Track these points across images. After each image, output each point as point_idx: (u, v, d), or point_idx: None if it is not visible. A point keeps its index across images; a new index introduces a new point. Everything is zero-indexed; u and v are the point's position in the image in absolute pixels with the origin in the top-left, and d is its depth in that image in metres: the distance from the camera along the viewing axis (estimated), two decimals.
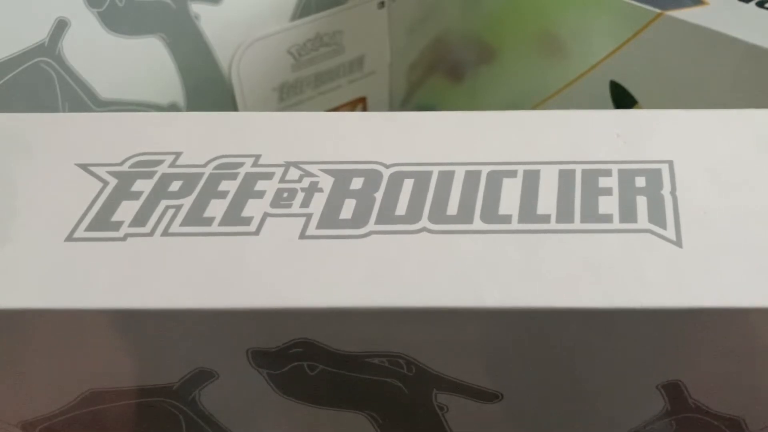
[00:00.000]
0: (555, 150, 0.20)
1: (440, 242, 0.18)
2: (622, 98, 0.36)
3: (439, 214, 0.18)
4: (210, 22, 0.37)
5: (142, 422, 0.21)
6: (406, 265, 0.17)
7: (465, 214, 0.18)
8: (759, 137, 0.21)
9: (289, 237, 0.18)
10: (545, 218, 0.18)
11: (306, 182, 0.20)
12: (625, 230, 0.18)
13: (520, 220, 0.18)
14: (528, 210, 0.18)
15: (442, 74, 0.46)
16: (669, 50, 0.32)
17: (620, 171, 0.19)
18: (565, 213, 0.18)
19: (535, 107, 0.41)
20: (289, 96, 0.44)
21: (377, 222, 0.18)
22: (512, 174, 0.19)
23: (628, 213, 0.18)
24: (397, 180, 0.20)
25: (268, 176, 0.20)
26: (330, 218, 0.19)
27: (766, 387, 0.19)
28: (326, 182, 0.20)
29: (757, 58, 0.29)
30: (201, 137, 0.22)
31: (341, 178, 0.20)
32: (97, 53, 0.34)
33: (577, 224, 0.18)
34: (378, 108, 0.50)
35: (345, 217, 0.19)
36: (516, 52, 0.40)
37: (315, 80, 0.45)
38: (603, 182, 0.19)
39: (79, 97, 0.34)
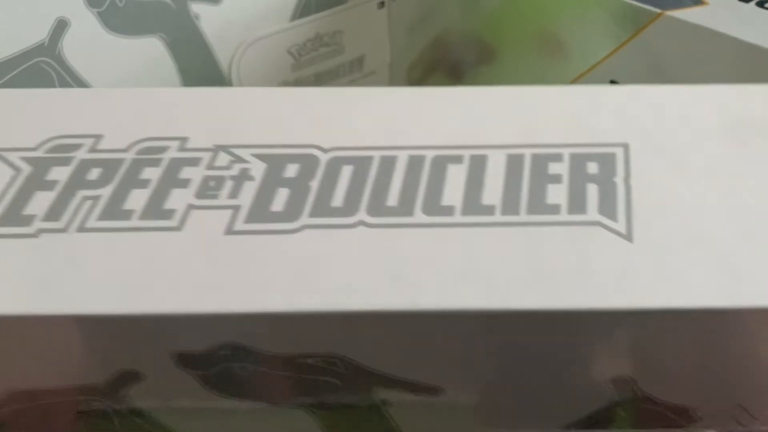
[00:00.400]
0: (505, 132, 0.19)
1: (377, 238, 0.17)
2: None
3: (378, 206, 0.17)
4: (210, 21, 0.37)
5: (77, 419, 0.20)
6: (339, 265, 0.16)
7: (406, 206, 0.17)
8: (725, 116, 0.20)
9: (214, 232, 0.17)
10: (490, 209, 0.17)
11: (236, 169, 0.18)
12: (573, 222, 0.17)
13: (464, 212, 0.17)
14: (472, 200, 0.17)
15: (442, 74, 0.46)
16: (669, 50, 0.32)
17: (572, 156, 0.18)
18: (511, 203, 0.17)
19: None
20: None
21: (311, 215, 0.17)
22: (458, 160, 0.18)
23: (577, 203, 0.17)
24: (335, 166, 0.18)
25: (194, 162, 0.19)
26: (260, 211, 0.17)
27: (718, 379, 0.18)
28: (258, 169, 0.18)
29: (757, 58, 0.29)
30: (125, 117, 0.20)
31: (274, 164, 0.18)
32: (97, 53, 0.34)
33: (522, 216, 0.17)
34: None
35: (276, 209, 0.17)
36: (516, 52, 0.40)
37: (315, 80, 0.45)
38: (553, 168, 0.18)
39: None
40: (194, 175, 0.18)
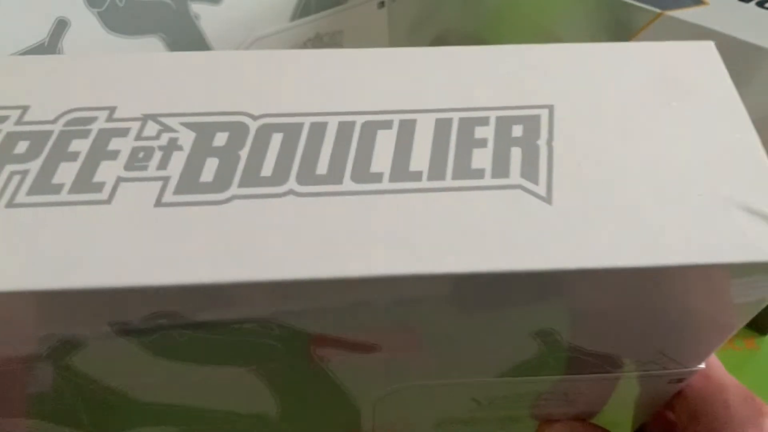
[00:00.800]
0: (434, 95, 0.19)
1: (306, 207, 0.17)
2: None
3: (307, 174, 0.17)
4: (210, 22, 0.37)
5: (14, 383, 0.20)
6: (268, 235, 0.16)
7: (335, 174, 0.17)
8: (655, 75, 0.20)
9: (143, 205, 0.17)
10: (417, 175, 0.17)
11: (164, 139, 0.18)
12: (496, 186, 0.17)
13: (392, 179, 0.17)
14: (400, 167, 0.18)
15: None
16: None
17: (498, 119, 0.19)
18: (437, 169, 0.18)
19: None
20: None
21: (241, 185, 0.17)
22: (387, 125, 0.19)
23: (500, 167, 0.18)
24: (264, 134, 0.18)
25: (123, 133, 0.18)
26: (189, 181, 0.17)
27: (638, 332, 0.19)
28: (187, 138, 0.18)
29: (757, 58, 0.30)
30: (52, 87, 0.19)
31: (203, 133, 0.18)
32: (97, 53, 0.34)
33: (448, 182, 0.17)
34: None
35: (206, 179, 0.17)
36: None
37: None
38: (479, 132, 0.18)
39: None
40: (123, 146, 0.18)
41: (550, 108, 0.19)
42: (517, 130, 0.19)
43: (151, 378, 0.20)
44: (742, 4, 0.32)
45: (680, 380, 0.22)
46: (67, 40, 0.32)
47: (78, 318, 0.17)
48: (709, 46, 0.21)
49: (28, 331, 0.17)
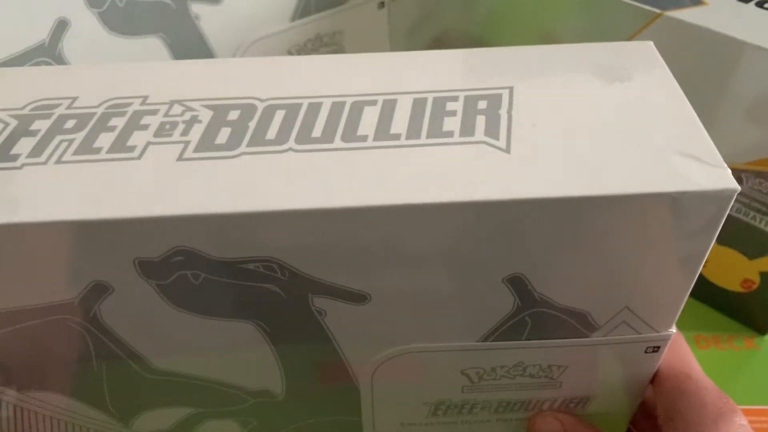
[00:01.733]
0: (413, 83, 0.23)
1: (303, 159, 0.20)
2: None
3: (304, 137, 0.21)
4: (210, 22, 0.37)
5: (47, 343, 0.22)
6: (270, 178, 0.19)
7: (327, 136, 0.21)
8: (596, 67, 0.24)
9: (167, 160, 0.20)
10: (397, 136, 0.21)
11: (187, 116, 0.22)
12: (463, 143, 0.20)
13: (375, 139, 0.21)
14: (383, 130, 0.21)
15: None
16: (668, 50, 0.32)
17: (466, 97, 0.22)
18: (414, 132, 0.21)
19: None
20: None
21: (249, 145, 0.21)
22: (373, 103, 0.22)
23: (467, 129, 0.21)
24: (270, 111, 0.22)
25: (153, 112, 0.22)
26: (206, 143, 0.21)
27: (600, 278, 0.21)
28: (206, 115, 0.22)
29: (756, 58, 0.30)
30: (96, 83, 0.24)
31: (219, 111, 0.22)
32: (98, 53, 0.34)
33: (423, 140, 0.21)
34: None
35: (220, 142, 0.21)
36: None
37: None
38: (450, 106, 0.22)
39: None
40: (153, 121, 0.22)
41: (511, 89, 0.23)
42: (482, 104, 0.22)
43: (168, 339, 0.22)
44: (742, 4, 0.32)
45: (656, 349, 0.23)
46: (68, 40, 0.33)
47: (107, 255, 0.20)
48: (649, 45, 0.25)
49: (63, 270, 0.20)
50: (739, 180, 0.33)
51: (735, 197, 0.19)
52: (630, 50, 0.25)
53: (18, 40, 0.31)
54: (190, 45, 0.37)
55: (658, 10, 0.32)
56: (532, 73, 0.23)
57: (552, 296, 0.22)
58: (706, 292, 0.39)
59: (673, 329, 0.23)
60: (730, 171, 0.19)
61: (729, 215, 0.34)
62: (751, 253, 0.35)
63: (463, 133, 0.21)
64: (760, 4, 0.32)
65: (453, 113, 0.22)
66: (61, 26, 0.32)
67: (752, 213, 0.34)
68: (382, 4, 0.45)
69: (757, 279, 0.36)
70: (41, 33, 0.32)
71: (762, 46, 0.29)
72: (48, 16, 0.31)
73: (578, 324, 0.23)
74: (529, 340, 0.23)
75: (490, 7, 0.39)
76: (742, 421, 0.22)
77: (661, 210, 0.19)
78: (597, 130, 0.21)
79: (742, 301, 0.37)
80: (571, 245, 0.20)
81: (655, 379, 0.24)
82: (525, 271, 0.21)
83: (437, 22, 0.43)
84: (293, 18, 0.41)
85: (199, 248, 0.20)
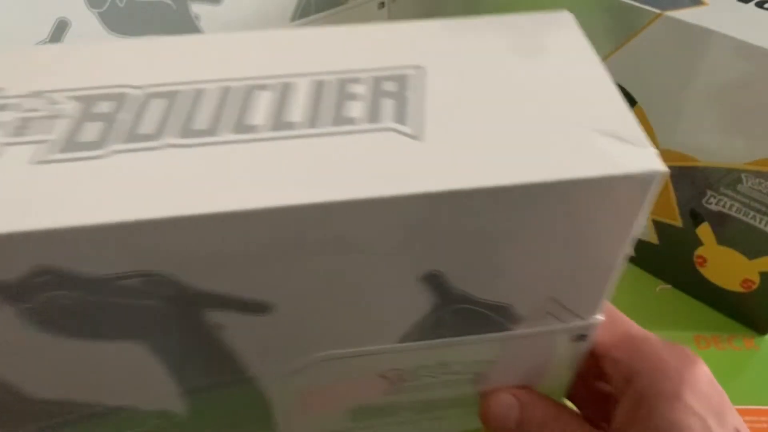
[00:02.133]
0: (312, 63, 0.21)
1: (185, 156, 0.18)
2: None
3: (186, 130, 0.18)
4: (210, 22, 0.37)
5: None
6: (146, 180, 0.17)
7: (213, 128, 0.18)
8: (512, 41, 0.22)
9: (22, 163, 0.17)
10: (293, 125, 0.18)
11: (49, 110, 0.19)
12: (368, 130, 0.18)
13: (269, 129, 0.18)
14: (278, 119, 0.19)
15: None
16: (668, 50, 0.32)
17: (372, 78, 0.20)
18: (313, 119, 0.19)
19: None
20: None
21: (120, 142, 0.18)
22: (266, 87, 0.20)
23: (373, 114, 0.19)
24: (145, 101, 0.19)
25: (7, 107, 0.19)
26: (70, 142, 0.18)
27: (521, 270, 0.20)
28: (71, 108, 0.19)
29: (756, 58, 0.30)
30: None
31: (87, 102, 0.19)
32: None
33: (323, 129, 0.18)
34: None
35: (86, 139, 0.18)
36: None
37: None
38: (354, 89, 0.20)
39: None
40: (6, 118, 0.19)
41: (421, 67, 0.21)
42: (389, 86, 0.20)
43: (41, 364, 0.19)
44: (741, 4, 0.32)
45: (582, 336, 0.22)
46: (68, 41, 0.33)
47: None
48: (567, 15, 0.23)
49: None
50: (739, 180, 0.33)
51: (659, 179, 0.18)
52: (547, 22, 0.23)
53: (18, 40, 0.31)
54: None
55: (658, 10, 0.32)
56: (444, 49, 0.21)
57: (472, 291, 0.20)
58: (706, 292, 0.39)
59: (600, 316, 0.22)
60: (655, 151, 0.18)
61: (729, 215, 0.35)
62: (751, 253, 0.35)
63: (369, 119, 0.19)
64: (760, 4, 0.32)
65: (357, 97, 0.19)
66: (62, 26, 0.32)
67: (752, 213, 0.34)
68: (382, 4, 0.45)
69: (757, 279, 0.36)
70: (42, 33, 0.32)
71: (762, 46, 0.29)
72: (48, 16, 0.32)
73: (501, 317, 0.21)
74: (452, 337, 0.22)
75: (490, 7, 0.39)
76: (704, 368, 0.21)
77: (583, 196, 0.18)
78: (513, 111, 0.19)
79: (742, 301, 0.37)
80: (488, 238, 0.19)
81: (600, 352, 0.23)
82: (441, 268, 0.19)
83: None
84: (293, 18, 0.41)
85: (67, 266, 0.17)
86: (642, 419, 0.20)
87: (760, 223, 0.34)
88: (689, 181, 0.35)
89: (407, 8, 0.45)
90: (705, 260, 0.37)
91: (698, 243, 0.37)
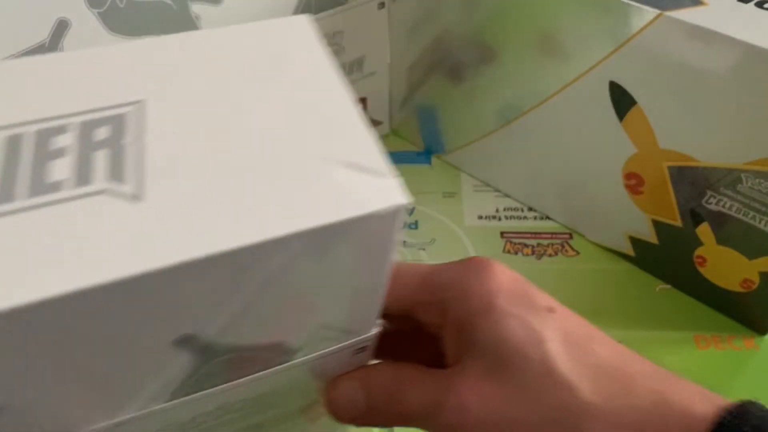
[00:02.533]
0: (8, 110, 0.17)
1: None
2: (621, 98, 0.36)
3: None
4: (210, 22, 0.37)
5: None
6: None
7: None
8: (242, 60, 0.20)
9: None
10: None
11: None
12: (78, 196, 0.15)
13: None
14: None
15: (442, 75, 0.46)
16: (668, 50, 0.32)
17: (81, 124, 0.17)
18: (6, 191, 0.15)
19: (535, 107, 0.41)
20: None
21: None
22: None
23: (83, 175, 0.16)
24: None
25: None
26: None
27: (283, 312, 0.19)
28: None
29: (756, 58, 0.30)
30: None
31: None
32: None
33: (20, 202, 0.15)
34: (378, 108, 0.50)
35: None
36: (516, 53, 0.40)
37: None
38: (58, 142, 0.16)
39: None
40: None
41: (140, 103, 0.18)
42: (102, 132, 0.17)
43: None
44: (741, 4, 0.32)
45: (363, 348, 0.22)
46: (68, 41, 0.33)
47: None
48: (303, 21, 0.21)
49: None
50: (739, 180, 0.33)
51: (402, 210, 0.17)
52: (282, 31, 0.21)
53: (18, 40, 0.31)
54: None
55: (657, 11, 0.32)
56: (168, 76, 0.19)
57: (236, 341, 0.19)
58: (705, 292, 0.39)
59: (377, 327, 0.22)
60: (397, 182, 0.17)
61: (728, 215, 0.35)
62: (751, 253, 0.35)
63: (78, 182, 0.16)
64: (759, 5, 0.32)
65: (63, 152, 0.16)
66: (62, 26, 0.32)
67: (752, 213, 0.34)
68: (382, 5, 0.45)
69: (756, 279, 0.36)
70: (42, 33, 0.32)
71: (761, 46, 0.29)
72: (48, 17, 0.32)
73: (275, 354, 0.20)
74: (228, 382, 0.20)
75: (491, 7, 0.40)
76: (499, 267, 0.22)
77: (326, 239, 0.17)
78: (250, 148, 0.17)
79: (742, 300, 0.37)
80: (237, 293, 0.17)
81: (408, 306, 0.23)
82: (196, 329, 0.17)
83: (437, 22, 0.43)
84: None
85: None
86: (468, 343, 0.21)
87: (759, 223, 0.34)
88: (689, 181, 0.35)
89: (407, 8, 0.45)
90: (705, 260, 0.37)
91: (698, 243, 0.37)
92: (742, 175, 0.33)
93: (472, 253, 0.43)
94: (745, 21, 0.31)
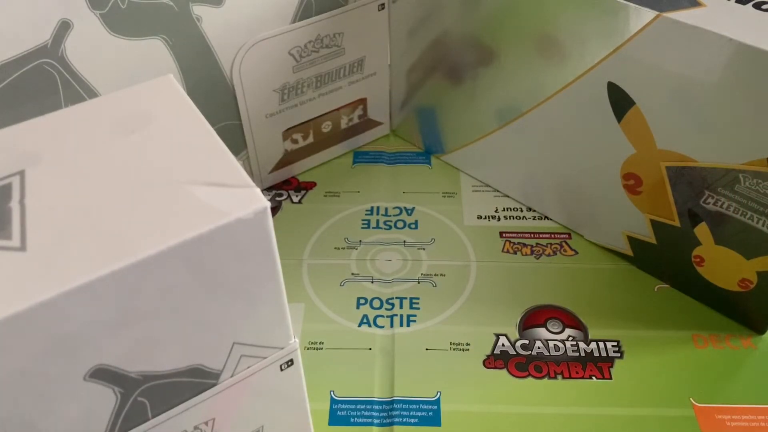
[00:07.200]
0: None
1: None
2: (619, 99, 0.36)
3: None
4: (212, 23, 0.37)
5: None
6: None
7: None
8: (114, 120, 0.22)
9: None
10: None
11: None
12: None
13: None
14: None
15: (441, 76, 0.46)
16: (666, 52, 0.33)
17: None
18: None
19: (534, 108, 0.41)
20: (290, 97, 0.44)
21: None
22: None
23: None
24: None
25: None
26: None
27: (187, 333, 0.20)
28: None
29: (754, 59, 0.30)
30: None
31: None
32: (100, 55, 0.34)
33: None
34: (378, 109, 0.51)
35: None
36: (515, 54, 0.40)
37: (316, 81, 0.45)
38: None
39: (81, 98, 0.34)
40: None
41: (21, 173, 0.21)
42: None
43: None
44: (739, 5, 0.32)
45: (290, 363, 0.23)
46: (70, 42, 0.33)
47: None
48: (169, 80, 0.24)
49: None
50: (737, 180, 0.33)
51: (266, 212, 0.19)
52: (149, 91, 0.24)
53: (20, 41, 0.31)
54: (191, 46, 0.37)
55: (656, 12, 0.32)
56: (46, 147, 0.22)
57: (150, 368, 0.20)
58: (703, 292, 0.39)
59: (295, 339, 0.23)
60: (256, 190, 0.20)
61: (726, 215, 0.35)
62: (749, 253, 0.35)
63: None
64: (758, 6, 0.32)
65: None
66: (64, 28, 0.32)
67: (750, 213, 0.34)
68: (382, 6, 0.45)
69: (754, 278, 0.36)
70: (44, 34, 0.32)
71: (760, 47, 0.29)
72: (50, 18, 0.32)
73: (198, 378, 0.22)
74: (157, 415, 0.22)
75: (490, 8, 0.40)
76: None
77: (202, 248, 0.19)
78: (119, 189, 0.20)
79: (740, 300, 0.38)
80: (133, 314, 0.19)
81: None
82: (105, 360, 0.19)
83: (437, 23, 0.44)
84: (294, 19, 0.41)
85: None
86: None
87: (757, 223, 0.34)
88: (687, 181, 0.35)
89: (407, 9, 0.45)
90: (703, 260, 0.37)
91: (696, 243, 0.37)
92: (740, 176, 0.33)
93: (471, 253, 0.43)
94: (744, 22, 0.31)
